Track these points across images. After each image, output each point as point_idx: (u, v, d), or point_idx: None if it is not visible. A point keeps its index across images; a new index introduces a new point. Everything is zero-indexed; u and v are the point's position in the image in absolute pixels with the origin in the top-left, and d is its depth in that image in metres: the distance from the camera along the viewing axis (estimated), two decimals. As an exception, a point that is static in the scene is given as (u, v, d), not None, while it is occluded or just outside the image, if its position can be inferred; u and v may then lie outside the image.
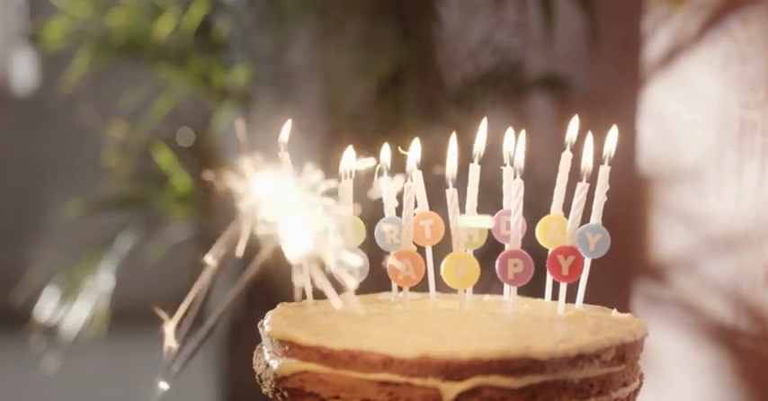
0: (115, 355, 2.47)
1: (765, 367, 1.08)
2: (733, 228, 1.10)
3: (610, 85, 1.44)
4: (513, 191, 0.75)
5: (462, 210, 0.77)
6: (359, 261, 0.65)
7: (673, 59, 1.20)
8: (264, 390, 0.73)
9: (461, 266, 0.76)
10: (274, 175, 0.62)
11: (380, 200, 0.76)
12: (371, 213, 0.76)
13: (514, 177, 0.75)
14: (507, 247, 0.76)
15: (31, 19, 2.71)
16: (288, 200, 0.62)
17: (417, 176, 0.76)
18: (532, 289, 0.80)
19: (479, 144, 0.78)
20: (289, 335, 0.70)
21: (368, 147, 0.77)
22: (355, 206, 0.74)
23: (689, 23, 1.17)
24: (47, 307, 1.64)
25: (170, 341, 0.62)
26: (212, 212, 1.60)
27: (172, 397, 0.73)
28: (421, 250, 0.77)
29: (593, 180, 0.76)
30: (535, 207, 0.83)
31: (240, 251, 0.61)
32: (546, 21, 1.45)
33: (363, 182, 0.74)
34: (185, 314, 0.63)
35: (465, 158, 0.77)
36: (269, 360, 0.72)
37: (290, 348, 0.70)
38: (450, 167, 0.76)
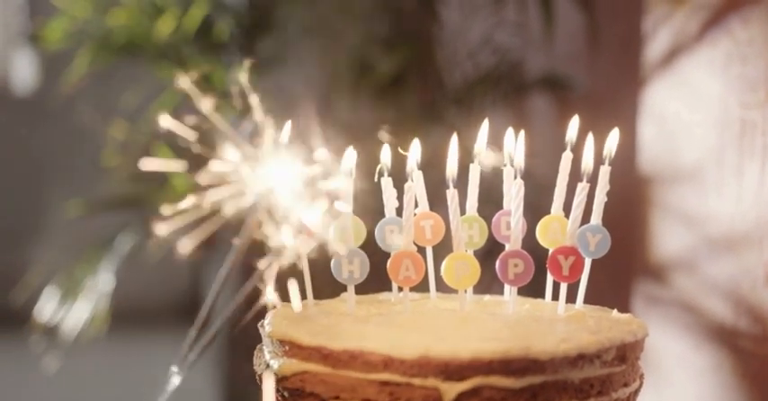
0: (115, 355, 2.47)
1: (766, 367, 1.08)
2: (733, 229, 1.10)
3: (610, 85, 1.44)
4: (513, 192, 0.75)
5: (462, 211, 0.77)
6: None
7: (673, 59, 1.20)
8: (265, 390, 0.73)
9: (462, 266, 0.76)
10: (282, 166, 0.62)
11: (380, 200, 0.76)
12: (371, 214, 0.76)
13: (515, 177, 0.75)
14: (507, 247, 0.76)
15: (31, 19, 2.71)
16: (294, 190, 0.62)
17: (418, 176, 0.76)
18: (533, 289, 0.80)
19: (480, 144, 0.78)
20: (289, 335, 0.70)
21: (368, 147, 0.77)
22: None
23: (689, 23, 1.17)
24: (47, 307, 1.64)
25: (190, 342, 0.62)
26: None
27: (172, 397, 0.73)
28: (421, 250, 0.77)
29: (593, 180, 0.76)
30: (535, 207, 0.83)
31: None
32: (546, 21, 1.45)
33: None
34: (207, 315, 0.63)
35: (465, 158, 0.77)
36: (269, 361, 0.72)
37: (291, 348, 0.70)
38: (451, 167, 0.76)
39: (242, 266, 0.65)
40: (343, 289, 0.77)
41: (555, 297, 0.78)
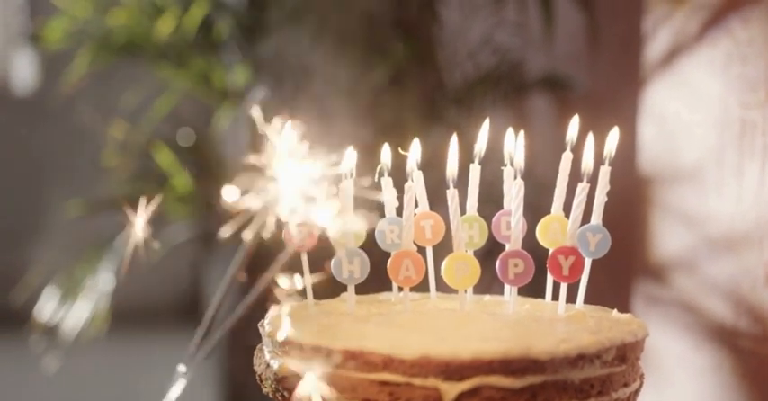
0: (115, 355, 2.47)
1: (765, 367, 1.08)
2: (733, 229, 1.10)
3: (610, 85, 1.44)
4: (513, 192, 0.75)
5: (463, 211, 0.77)
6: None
7: (673, 59, 1.20)
8: (265, 390, 0.73)
9: (462, 266, 0.76)
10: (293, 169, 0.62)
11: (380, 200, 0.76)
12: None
13: (515, 178, 0.75)
14: (508, 247, 0.76)
15: (31, 19, 2.71)
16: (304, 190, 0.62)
17: (418, 176, 0.76)
18: (533, 289, 0.80)
19: (480, 144, 0.78)
20: (289, 335, 0.70)
21: (368, 147, 0.77)
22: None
23: (689, 23, 1.17)
24: (47, 307, 1.64)
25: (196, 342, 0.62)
26: (212, 212, 1.60)
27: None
28: (421, 250, 0.77)
29: (593, 180, 0.76)
30: (535, 207, 0.83)
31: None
32: (546, 21, 1.45)
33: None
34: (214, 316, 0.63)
35: (465, 158, 0.77)
36: (269, 360, 0.72)
37: (291, 348, 0.70)
38: (451, 167, 0.76)
39: (249, 265, 0.65)
40: (343, 288, 0.77)
41: (555, 297, 0.78)
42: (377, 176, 0.76)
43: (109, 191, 1.76)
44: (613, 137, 0.76)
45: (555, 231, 0.77)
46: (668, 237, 1.22)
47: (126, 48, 1.59)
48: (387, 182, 0.76)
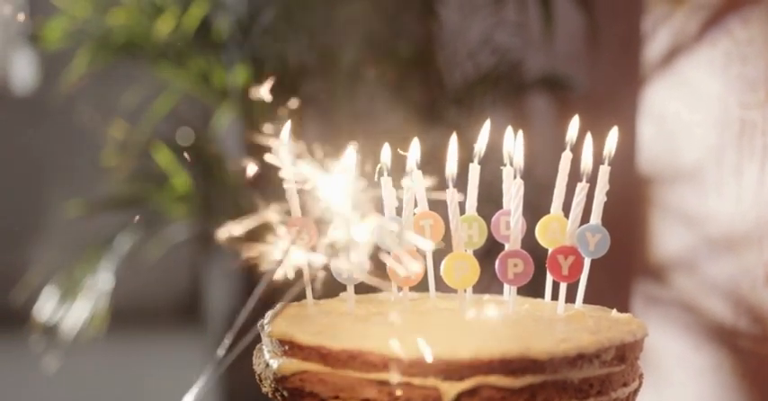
0: (115, 355, 2.47)
1: (765, 367, 1.08)
2: (733, 229, 1.10)
3: (610, 85, 1.44)
4: (513, 191, 0.75)
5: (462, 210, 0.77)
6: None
7: (673, 59, 1.20)
8: (264, 390, 0.73)
9: (461, 266, 0.76)
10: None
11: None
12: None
13: (514, 177, 0.75)
14: (507, 247, 0.76)
15: (31, 19, 2.71)
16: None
17: (417, 176, 0.76)
18: (532, 289, 0.80)
19: (480, 144, 0.78)
20: (289, 335, 0.70)
21: (368, 147, 0.77)
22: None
23: (689, 23, 1.17)
24: (47, 306, 1.64)
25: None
26: (212, 212, 1.60)
27: (172, 397, 0.73)
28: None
29: (592, 180, 0.76)
30: (535, 207, 0.83)
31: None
32: (546, 21, 1.45)
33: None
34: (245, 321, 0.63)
35: (465, 158, 0.77)
36: (269, 360, 0.72)
37: (290, 348, 0.70)
38: (451, 167, 0.76)
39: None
40: (343, 288, 0.77)
41: (554, 297, 0.78)
42: (376, 176, 0.76)
43: (109, 191, 1.75)
44: (613, 136, 0.76)
45: (554, 231, 0.77)
46: (668, 237, 1.22)
47: (125, 47, 1.59)
48: (386, 181, 0.76)
